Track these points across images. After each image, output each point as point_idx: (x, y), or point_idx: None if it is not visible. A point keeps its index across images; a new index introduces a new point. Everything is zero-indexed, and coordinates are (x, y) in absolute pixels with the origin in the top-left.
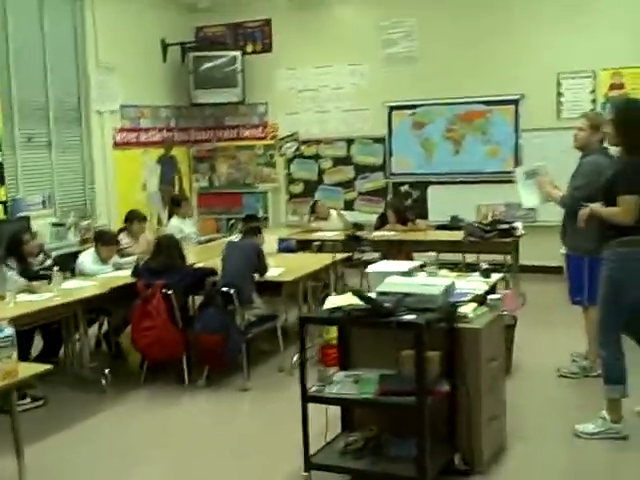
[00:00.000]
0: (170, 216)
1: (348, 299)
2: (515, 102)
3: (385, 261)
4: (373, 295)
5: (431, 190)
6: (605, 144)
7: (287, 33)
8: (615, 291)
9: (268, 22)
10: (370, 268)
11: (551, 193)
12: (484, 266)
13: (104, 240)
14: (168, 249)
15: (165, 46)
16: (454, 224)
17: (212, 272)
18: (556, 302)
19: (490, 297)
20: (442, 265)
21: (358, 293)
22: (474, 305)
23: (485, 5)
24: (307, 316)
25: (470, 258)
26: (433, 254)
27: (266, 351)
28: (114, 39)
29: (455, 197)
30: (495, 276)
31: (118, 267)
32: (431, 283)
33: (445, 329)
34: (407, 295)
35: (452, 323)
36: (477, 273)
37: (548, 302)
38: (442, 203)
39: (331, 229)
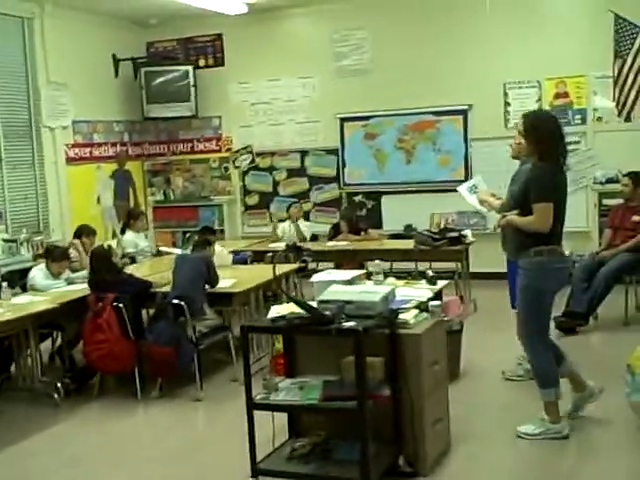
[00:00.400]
0: (123, 230)
1: (291, 308)
2: (464, 112)
3: (329, 270)
4: (314, 304)
5: (385, 200)
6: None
7: (239, 47)
8: (535, 299)
9: (219, 36)
10: (314, 277)
11: (491, 203)
12: (430, 273)
13: (54, 256)
14: (103, 262)
15: (117, 61)
16: (407, 233)
17: (149, 285)
18: (505, 307)
19: (431, 303)
20: (389, 273)
21: (298, 302)
22: (415, 312)
23: (433, 18)
24: (249, 325)
25: (423, 266)
26: (378, 262)
27: (220, 361)
28: (65, 55)
29: (408, 206)
30: (441, 283)
31: (70, 282)
32: (371, 291)
33: (386, 335)
34: (347, 303)
35: (392, 329)
36: (424, 280)
37: (497, 307)
38: (396, 212)
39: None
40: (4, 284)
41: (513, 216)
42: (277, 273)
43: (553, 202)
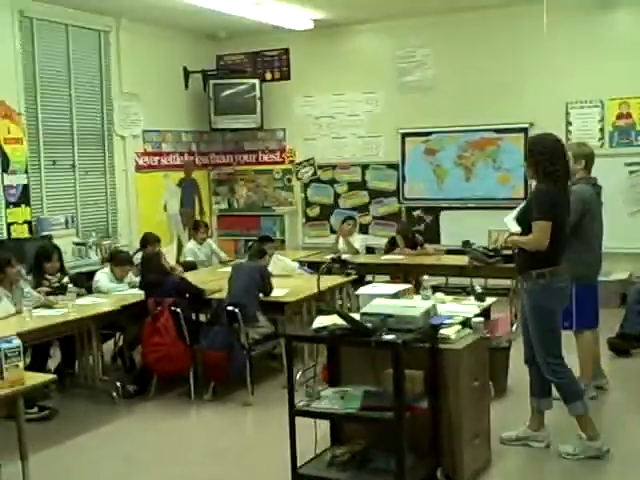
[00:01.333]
0: (190, 238)
1: (334, 319)
2: (525, 130)
3: (376, 284)
4: (357, 316)
5: (443, 215)
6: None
7: (304, 61)
8: (544, 319)
9: (286, 51)
10: (360, 290)
11: None
12: (478, 290)
13: (117, 261)
14: (151, 264)
15: (187, 74)
16: (464, 249)
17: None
18: None
19: (474, 320)
20: (444, 288)
21: (341, 313)
22: (458, 327)
23: (496, 36)
24: (293, 334)
25: (478, 282)
26: (427, 277)
27: (273, 368)
28: (137, 67)
29: (466, 222)
30: (490, 300)
31: (134, 285)
32: (413, 305)
33: (427, 349)
34: (389, 316)
35: (433, 343)
36: (472, 297)
37: None
38: (454, 228)
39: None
40: (70, 285)
41: (514, 236)
42: (330, 285)
43: (552, 221)
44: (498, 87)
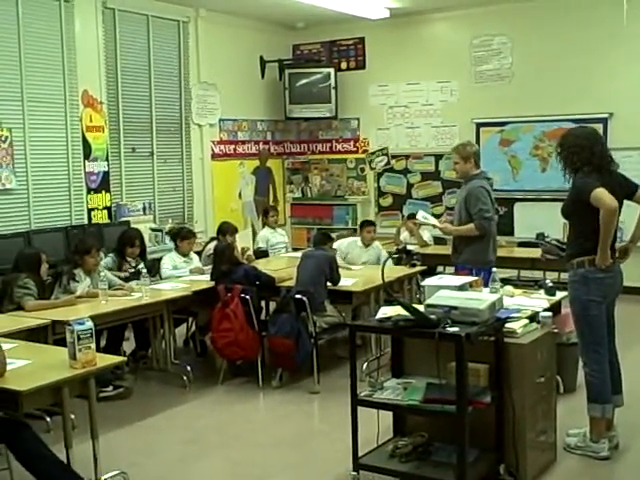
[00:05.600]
0: (264, 225)
1: (398, 310)
2: (604, 121)
3: (442, 275)
4: (421, 307)
5: (517, 206)
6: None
7: (379, 51)
8: (582, 310)
9: (362, 40)
10: (425, 281)
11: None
12: (549, 284)
13: (182, 235)
14: (223, 255)
15: (263, 63)
16: (538, 241)
17: (272, 279)
18: (638, 324)
19: (542, 314)
20: (508, 281)
21: (404, 304)
22: (525, 321)
23: (575, 24)
24: (356, 324)
25: (551, 276)
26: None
27: (341, 357)
28: (215, 57)
29: (541, 214)
30: (560, 294)
31: (201, 272)
32: (478, 298)
33: (492, 343)
34: (453, 308)
35: (498, 337)
36: (542, 291)
37: (629, 323)
38: (528, 220)
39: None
40: (144, 270)
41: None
42: (397, 275)
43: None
44: (576, 76)
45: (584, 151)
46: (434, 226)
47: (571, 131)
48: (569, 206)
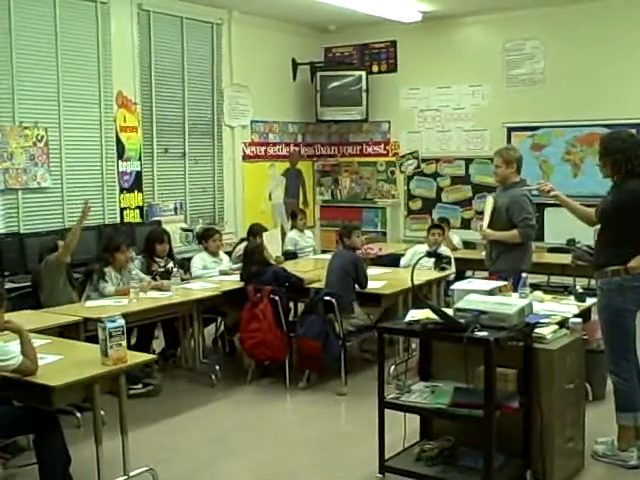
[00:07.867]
0: (292, 228)
1: (427, 313)
2: (637, 127)
3: (471, 279)
4: (450, 311)
5: (548, 212)
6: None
7: (411, 54)
8: (616, 318)
9: (393, 43)
10: (454, 285)
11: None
12: (579, 290)
13: (208, 234)
14: (252, 256)
15: (295, 65)
16: (569, 247)
17: (300, 280)
18: None
19: (571, 320)
20: (537, 287)
21: (433, 307)
22: (554, 327)
23: (608, 28)
24: (384, 327)
25: (581, 282)
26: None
27: (369, 360)
28: (247, 59)
29: (572, 220)
30: (590, 300)
31: (224, 272)
32: (507, 303)
33: (521, 348)
34: (482, 313)
35: (527, 342)
36: (572, 297)
37: None
38: (559, 225)
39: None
40: (174, 270)
41: None
42: (426, 279)
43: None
44: (610, 81)
45: (637, 155)
46: (481, 227)
47: (614, 135)
48: (609, 210)
